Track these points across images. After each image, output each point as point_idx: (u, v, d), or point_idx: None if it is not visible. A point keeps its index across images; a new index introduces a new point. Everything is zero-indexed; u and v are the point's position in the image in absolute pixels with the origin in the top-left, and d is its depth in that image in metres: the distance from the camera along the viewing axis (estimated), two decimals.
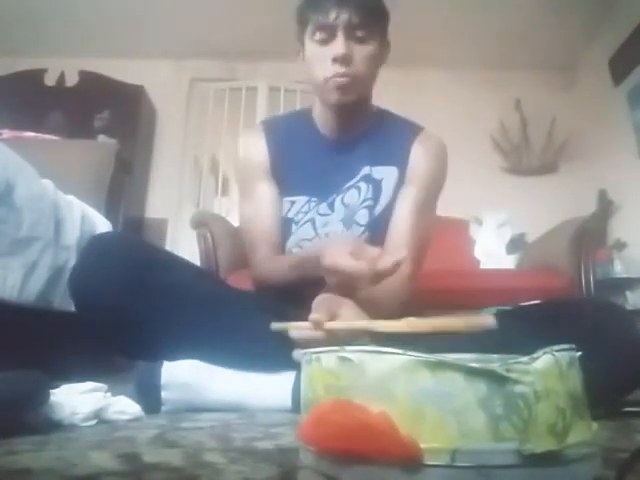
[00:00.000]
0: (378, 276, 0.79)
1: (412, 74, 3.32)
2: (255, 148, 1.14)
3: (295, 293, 0.94)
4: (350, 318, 0.77)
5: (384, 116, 1.16)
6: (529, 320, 0.86)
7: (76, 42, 3.38)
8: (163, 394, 0.83)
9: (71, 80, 3.42)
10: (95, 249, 0.89)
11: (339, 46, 0.97)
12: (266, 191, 1.11)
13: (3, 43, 3.32)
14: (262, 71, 3.57)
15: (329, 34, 0.99)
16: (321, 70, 1.01)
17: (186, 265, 0.99)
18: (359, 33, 0.99)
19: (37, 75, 3.40)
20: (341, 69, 0.98)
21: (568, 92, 3.50)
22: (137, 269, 0.84)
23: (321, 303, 0.79)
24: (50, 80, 3.42)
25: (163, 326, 0.84)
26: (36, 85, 3.37)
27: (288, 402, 0.82)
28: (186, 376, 0.84)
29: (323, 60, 1.00)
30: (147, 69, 3.50)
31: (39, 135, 2.14)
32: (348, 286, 0.83)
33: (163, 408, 0.83)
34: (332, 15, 0.97)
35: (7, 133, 2.00)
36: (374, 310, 0.81)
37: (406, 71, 3.19)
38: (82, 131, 3.07)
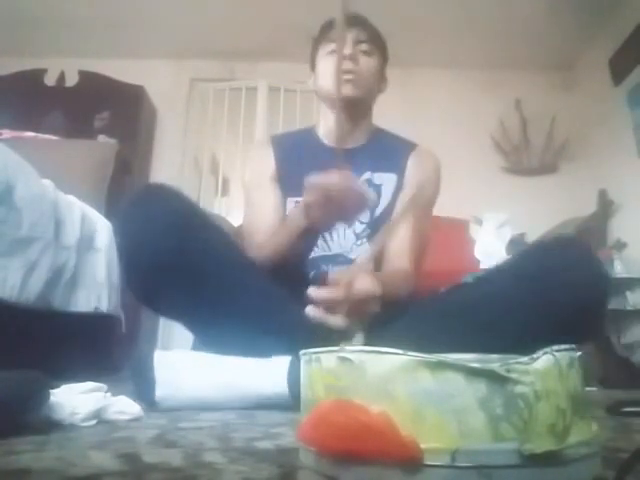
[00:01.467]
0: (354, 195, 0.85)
1: (412, 74, 3.32)
2: (263, 158, 1.25)
3: (296, 279, 0.99)
4: (367, 286, 0.81)
5: (383, 133, 1.29)
6: (505, 277, 0.91)
7: (76, 42, 3.38)
8: (156, 375, 0.83)
9: (71, 80, 3.41)
10: (145, 198, 0.91)
11: (347, 48, 1.13)
12: (270, 195, 1.19)
13: (3, 43, 3.32)
14: (262, 71, 3.57)
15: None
16: (331, 75, 1.14)
17: (227, 235, 1.02)
18: (364, 46, 1.17)
19: (37, 75, 3.39)
20: (349, 65, 1.12)
21: (568, 92, 3.50)
22: (184, 223, 0.87)
23: (339, 275, 0.83)
24: (50, 80, 3.42)
25: (201, 286, 0.87)
26: (36, 85, 3.37)
27: (284, 385, 0.82)
28: (178, 359, 0.86)
29: (333, 65, 1.13)
30: (147, 69, 3.50)
31: (39, 135, 2.15)
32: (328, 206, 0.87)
33: (157, 392, 0.83)
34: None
35: (7, 133, 2.00)
36: (385, 291, 0.85)
37: (406, 71, 3.19)
38: (82, 131, 3.06)
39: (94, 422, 0.67)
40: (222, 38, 3.36)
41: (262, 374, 0.84)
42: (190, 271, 0.86)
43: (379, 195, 1.17)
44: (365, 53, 1.17)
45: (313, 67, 1.26)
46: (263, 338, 0.87)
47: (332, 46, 1.18)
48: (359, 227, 1.15)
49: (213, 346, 0.89)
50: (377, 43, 1.21)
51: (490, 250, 2.61)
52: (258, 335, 0.88)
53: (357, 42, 1.16)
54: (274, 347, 0.87)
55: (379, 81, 1.23)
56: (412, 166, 1.21)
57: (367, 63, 1.17)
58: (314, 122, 1.35)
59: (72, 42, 3.38)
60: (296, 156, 1.22)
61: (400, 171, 1.20)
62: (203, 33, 3.34)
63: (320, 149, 1.23)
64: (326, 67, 1.19)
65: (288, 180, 1.19)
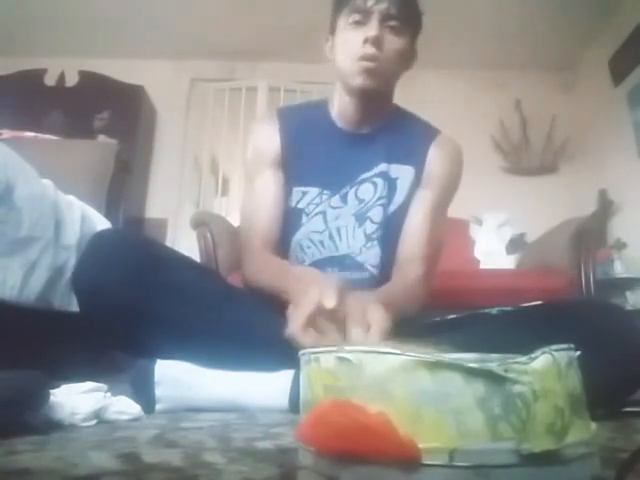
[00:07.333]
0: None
1: (412, 74, 3.31)
2: (268, 136, 1.12)
3: None
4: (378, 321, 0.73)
5: (402, 115, 1.16)
6: (530, 320, 0.86)
7: (76, 42, 3.38)
8: (157, 391, 0.83)
9: (71, 80, 3.42)
10: (98, 247, 0.88)
11: (372, 27, 0.99)
12: (270, 183, 1.09)
13: (3, 43, 3.32)
14: (262, 71, 3.58)
15: (364, 17, 1.00)
16: (350, 52, 1.01)
17: (189, 263, 0.99)
18: (393, 23, 1.01)
19: (37, 75, 3.40)
20: (371, 49, 0.98)
21: (568, 92, 3.50)
22: (140, 267, 0.84)
23: (353, 307, 0.75)
24: (50, 80, 3.42)
25: (165, 324, 0.84)
26: (36, 85, 3.37)
27: (285, 401, 0.82)
28: (180, 373, 0.84)
29: (354, 43, 1.01)
30: (147, 69, 3.50)
31: (39, 135, 2.14)
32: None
33: (158, 406, 0.83)
34: (371, 1, 0.99)
35: (7, 133, 2.00)
36: (395, 313, 0.79)
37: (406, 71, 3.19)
38: (82, 131, 3.07)
39: (94, 422, 0.66)
40: (222, 38, 3.36)
41: (264, 393, 0.83)
42: (154, 312, 0.83)
43: (394, 190, 1.07)
44: (393, 31, 1.01)
45: (332, 31, 1.09)
46: (250, 358, 0.85)
47: (356, 16, 1.01)
48: (370, 227, 1.06)
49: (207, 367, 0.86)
50: (410, 19, 1.04)
51: (490, 250, 2.61)
52: (244, 356, 0.85)
53: (385, 17, 0.99)
54: (265, 365, 0.84)
55: (407, 60, 1.09)
56: (433, 159, 1.09)
57: (394, 45, 1.01)
58: None
59: (72, 42, 3.39)
60: (305, 139, 1.10)
61: (419, 164, 1.09)
62: (203, 33, 3.34)
63: (333, 134, 1.11)
64: (346, 41, 1.03)
65: (295, 167, 1.09)
